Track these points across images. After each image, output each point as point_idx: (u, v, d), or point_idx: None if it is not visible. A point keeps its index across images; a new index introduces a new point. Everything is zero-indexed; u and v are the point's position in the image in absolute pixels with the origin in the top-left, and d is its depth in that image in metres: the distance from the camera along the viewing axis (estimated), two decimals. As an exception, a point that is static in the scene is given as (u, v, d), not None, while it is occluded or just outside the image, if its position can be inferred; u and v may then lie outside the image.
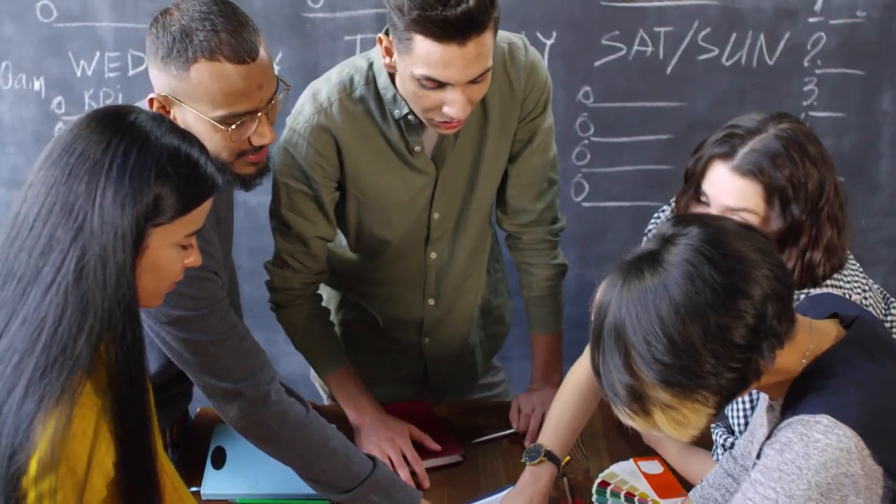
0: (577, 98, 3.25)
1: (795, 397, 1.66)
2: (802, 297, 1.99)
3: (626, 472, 2.33)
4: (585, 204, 3.37)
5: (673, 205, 2.20)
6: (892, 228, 3.43)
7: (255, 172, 2.01)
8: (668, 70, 3.22)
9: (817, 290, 2.01)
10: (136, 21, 3.11)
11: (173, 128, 1.64)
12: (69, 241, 1.53)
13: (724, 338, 1.56)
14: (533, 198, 2.48)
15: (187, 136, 1.64)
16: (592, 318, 1.67)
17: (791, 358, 1.65)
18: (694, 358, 1.56)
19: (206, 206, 1.66)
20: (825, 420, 1.58)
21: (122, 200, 1.54)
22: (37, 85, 3.18)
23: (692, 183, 2.06)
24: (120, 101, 3.17)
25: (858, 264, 2.12)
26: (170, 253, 1.63)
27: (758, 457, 1.68)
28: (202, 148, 1.66)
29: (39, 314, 1.52)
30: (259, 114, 1.92)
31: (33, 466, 1.49)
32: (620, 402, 1.64)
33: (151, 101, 1.91)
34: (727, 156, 1.98)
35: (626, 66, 3.22)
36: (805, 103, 3.27)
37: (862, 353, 1.68)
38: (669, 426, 1.63)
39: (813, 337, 1.68)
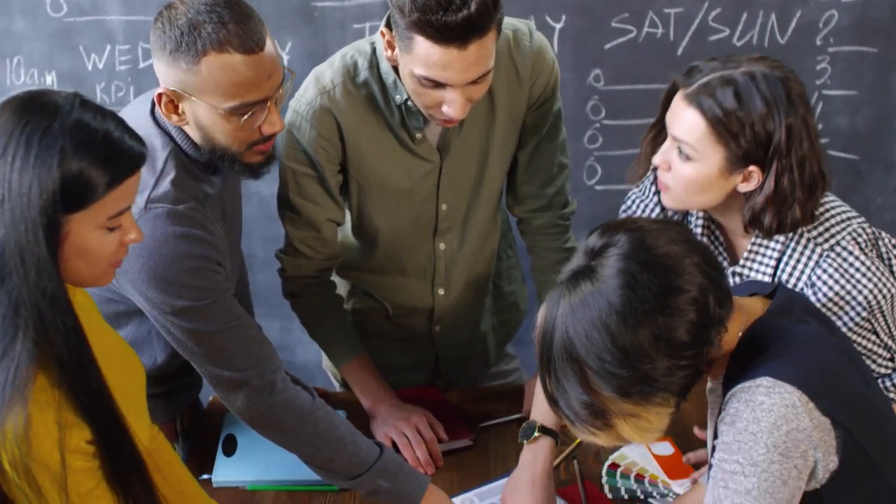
0: (587, 81, 3.24)
1: (733, 371, 1.69)
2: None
3: (636, 454, 2.34)
4: (598, 187, 3.36)
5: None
6: (909, 206, 3.41)
7: (263, 160, 2.03)
8: (679, 51, 3.20)
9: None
10: (146, 14, 3.12)
11: (86, 107, 1.56)
12: None
13: (672, 337, 1.59)
14: (543, 183, 2.48)
15: (100, 115, 1.57)
16: (537, 344, 1.68)
17: (729, 338, 1.69)
18: (649, 364, 1.59)
19: (130, 184, 1.58)
20: (765, 381, 1.62)
21: (27, 192, 1.49)
22: (49, 79, 3.19)
23: (662, 109, 2.03)
24: (131, 94, 3.19)
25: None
26: (95, 236, 1.57)
27: (715, 437, 1.70)
28: (119, 126, 1.58)
29: None
30: (269, 103, 1.93)
31: (9, 471, 1.50)
32: (581, 422, 1.67)
33: (160, 96, 1.92)
34: (686, 84, 1.94)
35: (637, 49, 3.20)
36: (818, 82, 3.24)
37: (789, 316, 1.72)
38: (634, 434, 1.67)
39: (744, 313, 1.71)
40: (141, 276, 1.92)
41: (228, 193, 2.17)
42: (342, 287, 2.62)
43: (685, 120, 1.93)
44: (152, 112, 2.00)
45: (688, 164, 1.96)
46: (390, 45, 2.10)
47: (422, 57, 1.99)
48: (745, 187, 1.95)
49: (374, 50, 2.23)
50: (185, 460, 2.22)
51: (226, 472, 2.30)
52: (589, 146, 3.31)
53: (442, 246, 2.45)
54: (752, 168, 1.92)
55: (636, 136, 3.28)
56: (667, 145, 2.00)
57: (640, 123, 3.29)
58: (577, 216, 2.58)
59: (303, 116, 2.23)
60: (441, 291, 2.53)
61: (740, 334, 1.70)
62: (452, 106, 2.05)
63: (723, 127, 1.89)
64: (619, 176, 3.34)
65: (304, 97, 2.24)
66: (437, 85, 2.03)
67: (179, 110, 1.93)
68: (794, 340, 1.68)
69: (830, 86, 3.25)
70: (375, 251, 2.47)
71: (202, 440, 2.43)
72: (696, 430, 2.35)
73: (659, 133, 2.06)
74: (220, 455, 2.34)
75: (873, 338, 2.03)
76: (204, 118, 1.92)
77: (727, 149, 1.91)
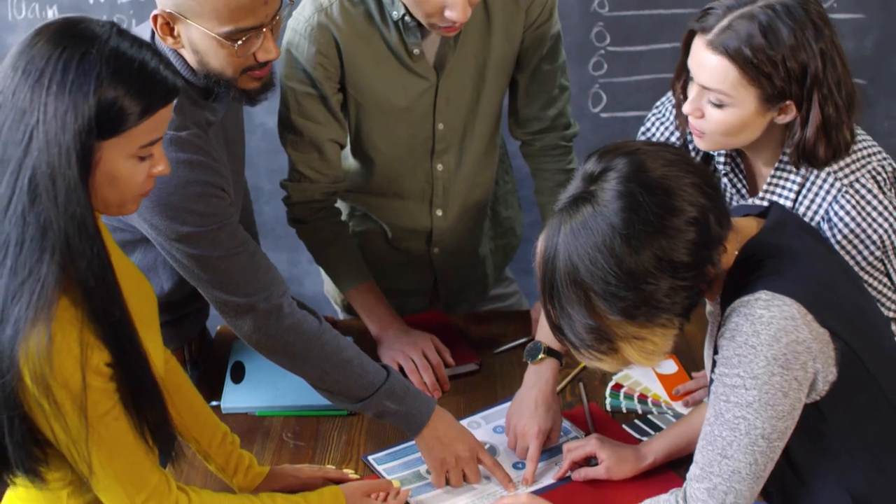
0: (592, 7, 3.22)
1: (731, 289, 1.70)
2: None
3: (639, 374, 2.35)
4: (604, 115, 3.35)
5: (654, 110, 2.22)
6: (916, 131, 3.39)
7: (259, 87, 2.01)
8: (684, -25, 3.18)
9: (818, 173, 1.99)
10: (147, -55, 3.11)
11: (122, 36, 1.58)
12: (20, 161, 1.51)
13: (675, 258, 1.60)
14: (544, 105, 2.48)
15: (137, 45, 1.58)
16: (539, 272, 1.68)
17: (727, 257, 1.70)
18: (652, 285, 1.60)
19: (162, 115, 1.60)
20: (763, 295, 1.64)
21: (62, 116, 1.50)
22: (50, 13, 3.18)
23: (682, 55, 1.98)
24: (133, 27, 3.17)
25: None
26: (126, 164, 1.59)
27: (716, 352, 1.72)
28: (155, 57, 1.60)
29: (1, 238, 1.53)
30: (264, 29, 1.92)
31: (30, 386, 1.52)
32: (587, 347, 1.68)
33: (155, 17, 1.91)
34: (704, 30, 1.89)
35: (641, -27, 3.18)
36: (825, 5, 3.20)
37: (783, 233, 1.73)
38: (640, 357, 1.69)
39: (738, 231, 1.72)
40: (145, 203, 1.92)
41: (231, 121, 2.17)
42: (342, 210, 2.62)
43: (712, 68, 1.88)
44: (151, 39, 1.99)
45: (721, 110, 1.92)
46: None
47: None
48: (782, 119, 1.93)
49: None
50: (194, 388, 2.24)
51: (234, 398, 2.32)
52: (594, 73, 3.29)
53: (439, 167, 2.46)
54: (788, 102, 1.90)
55: (641, 62, 3.30)
56: (695, 93, 1.95)
57: (645, 50, 3.29)
58: (582, 144, 2.57)
59: (301, 34, 2.23)
60: (439, 213, 2.54)
61: (736, 253, 1.71)
62: (455, 9, 2.05)
63: (754, 68, 1.85)
64: (625, 103, 3.33)
65: (302, 15, 2.25)
66: None
67: (175, 33, 1.91)
68: (790, 255, 1.70)
69: (837, 9, 3.22)
70: (373, 172, 2.48)
71: (211, 368, 2.45)
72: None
73: (681, 73, 2.01)
74: (228, 382, 2.37)
75: (885, 280, 2.02)
76: (198, 42, 1.90)
77: (761, 89, 1.87)
